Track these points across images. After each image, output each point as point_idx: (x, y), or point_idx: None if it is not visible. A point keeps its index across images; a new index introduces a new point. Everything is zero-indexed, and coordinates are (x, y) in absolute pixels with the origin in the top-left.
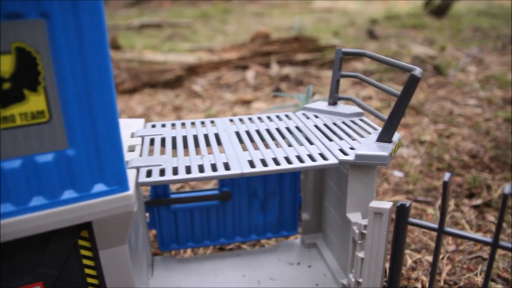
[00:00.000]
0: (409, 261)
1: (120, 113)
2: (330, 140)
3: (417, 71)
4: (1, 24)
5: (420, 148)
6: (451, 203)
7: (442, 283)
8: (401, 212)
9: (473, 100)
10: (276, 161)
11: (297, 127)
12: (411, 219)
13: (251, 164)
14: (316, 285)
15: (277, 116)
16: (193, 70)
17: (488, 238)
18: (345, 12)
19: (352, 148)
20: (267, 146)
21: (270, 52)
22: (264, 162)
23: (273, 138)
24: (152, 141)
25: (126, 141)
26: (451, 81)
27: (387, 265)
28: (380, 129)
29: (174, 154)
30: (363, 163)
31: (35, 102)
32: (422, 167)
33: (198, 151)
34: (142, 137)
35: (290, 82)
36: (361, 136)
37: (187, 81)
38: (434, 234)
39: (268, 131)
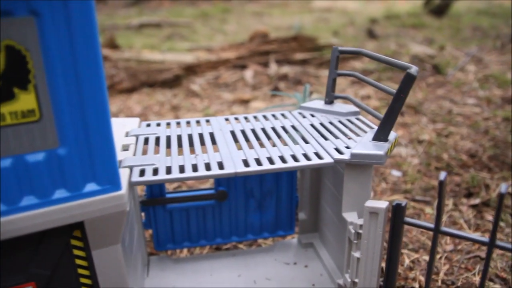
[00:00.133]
0: (406, 261)
1: (117, 113)
2: (326, 139)
3: (413, 69)
4: None
5: (419, 147)
6: (450, 203)
7: (439, 283)
8: (397, 212)
9: (472, 99)
10: (270, 160)
11: (293, 126)
12: (407, 219)
13: (245, 163)
14: (312, 285)
15: (273, 115)
16: (191, 70)
17: (484, 238)
18: (345, 12)
19: (347, 147)
20: (262, 145)
21: (269, 52)
22: (258, 161)
23: (269, 137)
24: (146, 140)
25: (120, 140)
26: (450, 80)
27: (384, 265)
28: (376, 128)
29: (168, 153)
30: (358, 162)
31: (25, 100)
32: (420, 166)
33: (192, 150)
34: (137, 136)
35: (289, 81)
36: (357, 135)
37: (185, 81)
38: (432, 233)
39: (263, 130)
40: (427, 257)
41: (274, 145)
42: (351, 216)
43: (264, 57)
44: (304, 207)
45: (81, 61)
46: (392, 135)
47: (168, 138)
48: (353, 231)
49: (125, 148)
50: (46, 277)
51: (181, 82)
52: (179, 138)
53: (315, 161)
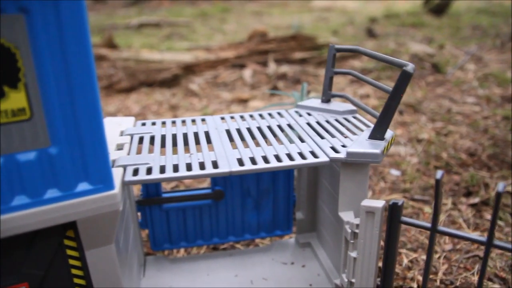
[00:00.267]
0: (405, 261)
1: (116, 112)
2: (322, 137)
3: (409, 66)
4: None
5: (418, 146)
6: (449, 202)
7: (438, 283)
8: (394, 211)
9: (472, 98)
10: (265, 159)
11: (289, 125)
12: (404, 218)
13: (240, 162)
14: (309, 285)
15: (269, 114)
16: (190, 69)
17: (482, 238)
18: (345, 11)
19: (344, 146)
20: (257, 144)
21: (268, 51)
22: (253, 161)
23: (264, 136)
24: (141, 140)
25: (115, 139)
26: (450, 79)
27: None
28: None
29: (163, 152)
30: (354, 161)
31: (15, 99)
32: (419, 165)
33: (187, 150)
34: (131, 136)
35: (288, 80)
36: (354, 134)
37: (184, 80)
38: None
39: (259, 129)
40: (425, 257)
41: (269, 144)
42: (347, 216)
43: (263, 56)
44: (302, 206)
45: (71, 59)
46: (389, 134)
47: (163, 137)
48: (349, 230)
49: (120, 147)
50: (39, 278)
51: (179, 82)
52: (174, 137)
53: (310, 160)
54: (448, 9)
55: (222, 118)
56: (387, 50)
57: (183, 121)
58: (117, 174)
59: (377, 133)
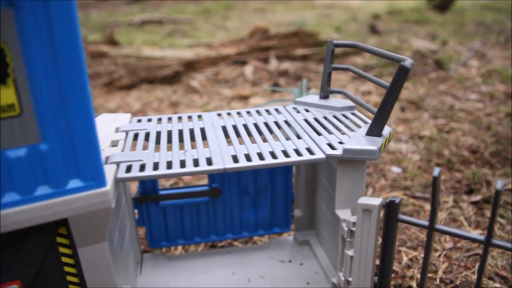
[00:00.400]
0: (404, 259)
1: (116, 109)
2: (319, 134)
3: (407, 62)
4: None
5: (419, 143)
6: (450, 199)
7: (438, 281)
8: (391, 209)
9: (475, 95)
10: (260, 156)
11: (286, 121)
12: (401, 216)
13: (235, 159)
14: (307, 284)
15: (267, 111)
16: (191, 66)
17: (480, 236)
18: (348, 8)
19: (341, 143)
20: (253, 141)
21: (269, 47)
22: (248, 157)
23: (260, 133)
24: (136, 136)
25: (110, 135)
26: (453, 75)
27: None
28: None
29: (158, 149)
30: (351, 158)
31: (4, 95)
32: (421, 162)
33: (182, 146)
34: (126, 132)
35: (289, 77)
36: (351, 130)
37: (185, 77)
38: None
39: (255, 125)
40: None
41: (265, 140)
42: (344, 214)
43: (264, 53)
44: (300, 204)
45: (61, 55)
46: (387, 130)
47: (158, 134)
48: (346, 228)
49: (114, 143)
50: (31, 275)
51: (180, 79)
52: (169, 133)
53: (306, 156)
54: (452, 6)
55: (219, 115)
56: (390, 46)
57: (179, 118)
58: (110, 171)
59: (374, 130)
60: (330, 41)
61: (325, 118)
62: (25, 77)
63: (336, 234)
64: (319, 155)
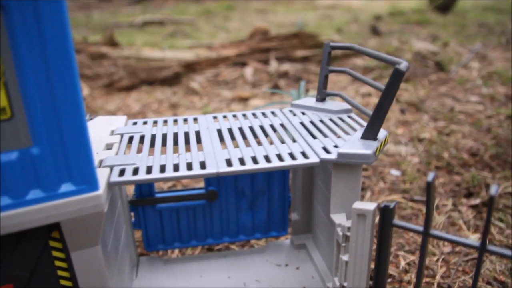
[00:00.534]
0: (402, 263)
1: (116, 111)
2: (314, 137)
3: (402, 65)
4: None
5: (419, 146)
6: (449, 203)
7: (435, 286)
8: (386, 214)
9: (475, 97)
10: (254, 160)
11: (282, 125)
12: (395, 221)
13: (228, 163)
14: None
15: (263, 113)
16: (191, 67)
17: (475, 242)
18: (350, 9)
19: (336, 146)
20: (247, 144)
21: (269, 49)
22: (242, 161)
23: (255, 136)
24: (130, 139)
25: (105, 138)
26: (453, 77)
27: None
28: None
29: (152, 152)
30: (345, 162)
31: None
32: (420, 165)
33: (176, 149)
34: (121, 135)
35: (289, 78)
36: (347, 134)
37: (185, 78)
38: None
39: (251, 128)
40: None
41: (260, 144)
42: (339, 218)
43: (264, 54)
44: (297, 207)
45: (52, 58)
46: (382, 134)
47: (153, 137)
48: (341, 233)
49: (109, 147)
50: (24, 279)
51: (180, 80)
52: (164, 137)
53: (300, 160)
54: (453, 7)
55: (215, 118)
56: (390, 48)
57: (175, 121)
58: (103, 174)
59: (369, 133)
60: (326, 43)
61: (321, 121)
62: (16, 80)
63: (332, 238)
64: (313, 159)
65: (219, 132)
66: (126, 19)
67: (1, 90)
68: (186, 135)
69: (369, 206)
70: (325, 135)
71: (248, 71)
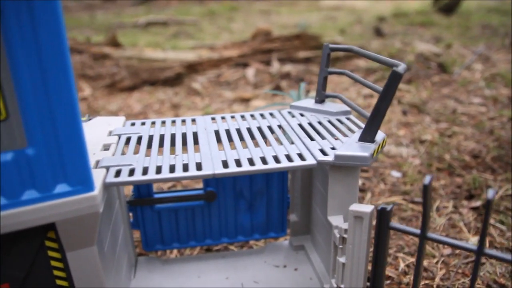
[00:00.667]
0: (401, 265)
1: (117, 111)
2: (312, 139)
3: (400, 67)
4: None
5: (420, 147)
6: (450, 205)
7: None
8: (383, 217)
9: (478, 99)
10: (251, 162)
11: (280, 126)
12: (392, 224)
13: (225, 164)
14: None
15: (261, 115)
16: (193, 68)
17: (472, 246)
18: (353, 10)
19: (333, 148)
20: (244, 146)
21: (271, 50)
22: (238, 163)
23: (253, 138)
24: (128, 140)
25: (103, 139)
26: (456, 79)
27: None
28: None
29: (149, 153)
30: (342, 164)
31: None
32: (421, 167)
33: (173, 151)
34: (119, 136)
35: (291, 79)
36: (345, 136)
37: (186, 79)
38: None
39: (249, 130)
40: (424, 262)
41: (257, 145)
42: (336, 220)
43: (266, 55)
44: (296, 208)
45: (47, 59)
46: (380, 136)
47: (151, 138)
48: (338, 235)
49: (106, 147)
50: (20, 279)
51: (182, 80)
52: (162, 138)
53: (297, 162)
54: (457, 8)
55: (213, 119)
56: (393, 49)
57: (173, 122)
58: (99, 175)
59: (367, 136)
60: (326, 45)
61: (320, 123)
62: (11, 81)
63: (330, 239)
64: (310, 161)
65: (217, 133)
66: (130, 19)
67: None
68: (184, 136)
69: (366, 208)
70: (322, 137)
71: (250, 72)
